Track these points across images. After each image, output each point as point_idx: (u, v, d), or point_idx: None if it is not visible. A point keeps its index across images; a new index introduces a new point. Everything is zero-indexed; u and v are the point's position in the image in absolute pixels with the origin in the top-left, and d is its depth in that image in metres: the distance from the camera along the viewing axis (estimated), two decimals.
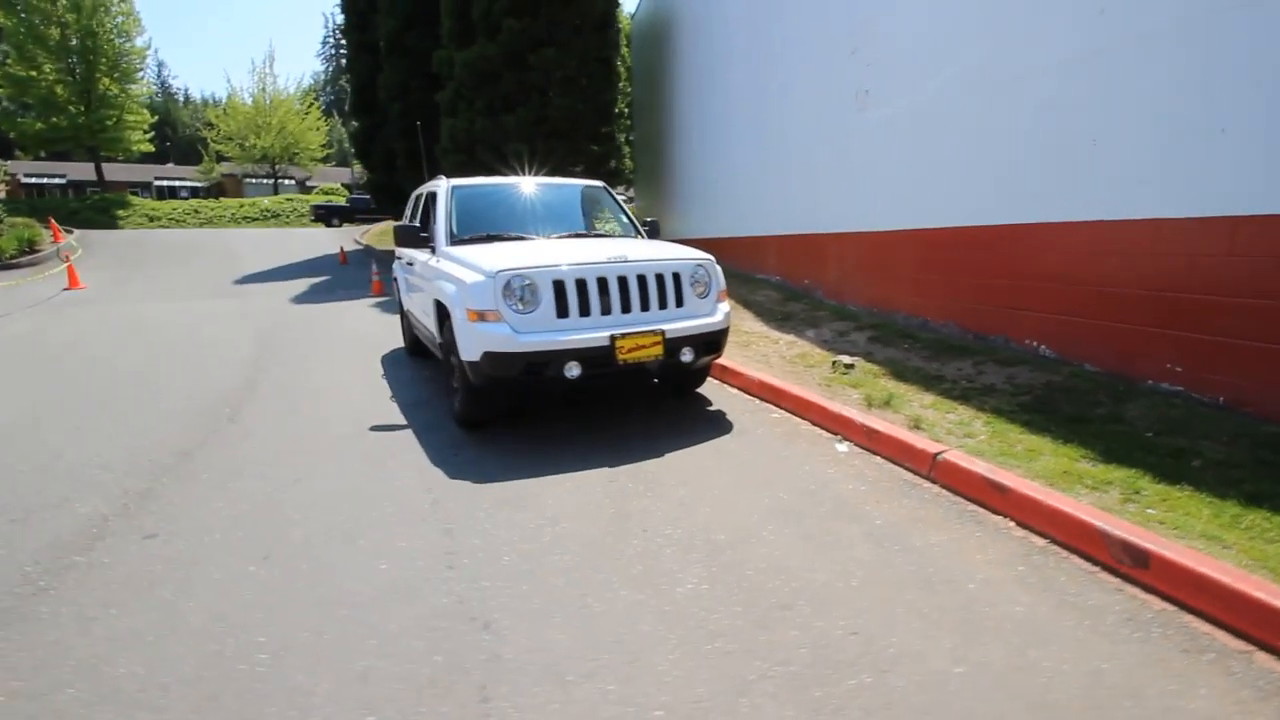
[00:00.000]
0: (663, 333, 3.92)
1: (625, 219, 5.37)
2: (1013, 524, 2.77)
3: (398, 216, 25.09)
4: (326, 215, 28.27)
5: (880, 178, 6.78)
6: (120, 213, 26.63)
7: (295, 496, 3.29)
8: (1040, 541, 2.63)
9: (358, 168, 30.57)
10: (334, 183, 41.14)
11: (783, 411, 4.48)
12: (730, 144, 10.35)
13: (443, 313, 4.43)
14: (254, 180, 40.82)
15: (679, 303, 4.13)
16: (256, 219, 29.45)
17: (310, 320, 9.16)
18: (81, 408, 4.94)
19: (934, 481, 3.20)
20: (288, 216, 30.23)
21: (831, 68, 7.44)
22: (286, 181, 41.81)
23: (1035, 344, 4.95)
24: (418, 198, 6.22)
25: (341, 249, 18.69)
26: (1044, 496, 2.70)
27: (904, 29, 6.33)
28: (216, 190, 40.96)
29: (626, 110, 14.80)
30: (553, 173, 13.89)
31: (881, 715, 1.74)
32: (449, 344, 4.36)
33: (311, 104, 38.01)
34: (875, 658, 1.96)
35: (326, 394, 5.25)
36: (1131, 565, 2.31)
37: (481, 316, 3.75)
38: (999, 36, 5.23)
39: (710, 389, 5.12)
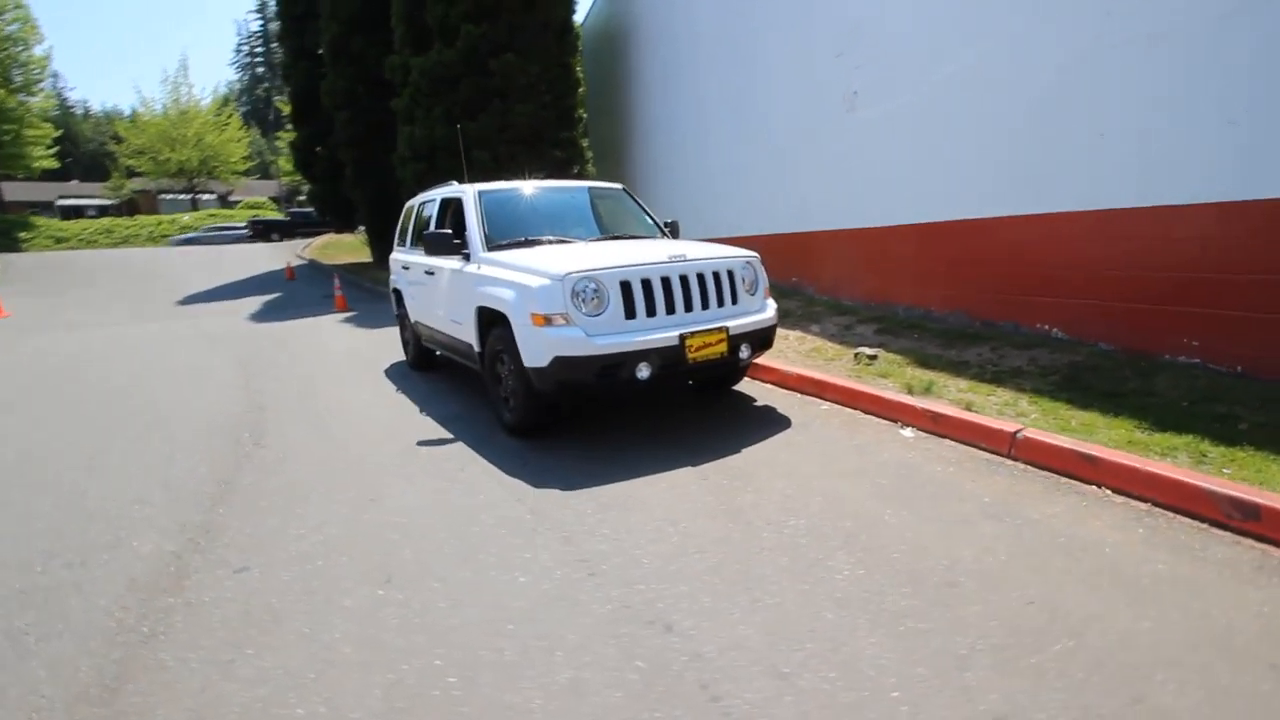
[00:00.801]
0: (727, 330, 3.95)
1: (649, 220, 5.38)
2: (1109, 492, 2.94)
3: (345, 229, 24.21)
4: (265, 230, 26.89)
5: (874, 176, 7.03)
6: (23, 235, 24.54)
7: (379, 517, 3.13)
8: (1142, 506, 2.80)
9: (287, 179, 29.22)
10: (259, 196, 39.14)
11: (829, 403, 4.58)
12: (707, 147, 10.50)
13: (487, 320, 4.32)
14: (170, 196, 38.31)
15: (734, 300, 4.17)
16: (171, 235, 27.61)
17: (282, 339, 8.70)
18: (86, 440, 4.52)
19: (1015, 459, 3.36)
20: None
21: (817, 70, 7.68)
22: (205, 196, 39.47)
23: (1047, 327, 5.26)
24: (419, 206, 6.03)
25: (289, 265, 17.81)
26: (1140, 464, 2.89)
27: (893, 33, 6.61)
28: (128, 208, 38.17)
29: (584, 115, 14.76)
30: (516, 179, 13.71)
31: (1102, 674, 1.82)
32: (494, 353, 4.25)
33: (230, 115, 36.08)
34: (1064, 624, 2.04)
35: (347, 413, 5.01)
36: (1243, 519, 2.50)
37: (549, 320, 3.68)
38: (994, 39, 5.54)
39: (745, 384, 5.18)
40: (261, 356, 7.37)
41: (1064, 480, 3.09)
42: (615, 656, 2.01)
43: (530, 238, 4.67)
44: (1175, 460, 3.06)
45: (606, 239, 4.82)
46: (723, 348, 3.93)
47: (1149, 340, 4.53)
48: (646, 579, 2.44)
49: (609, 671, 1.94)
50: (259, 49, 63.23)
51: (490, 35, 13.23)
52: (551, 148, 14.24)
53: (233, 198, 40.57)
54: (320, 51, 17.49)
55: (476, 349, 4.54)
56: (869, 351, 5.40)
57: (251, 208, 33.58)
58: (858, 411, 4.36)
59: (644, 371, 3.73)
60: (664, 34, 12.02)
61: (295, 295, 13.88)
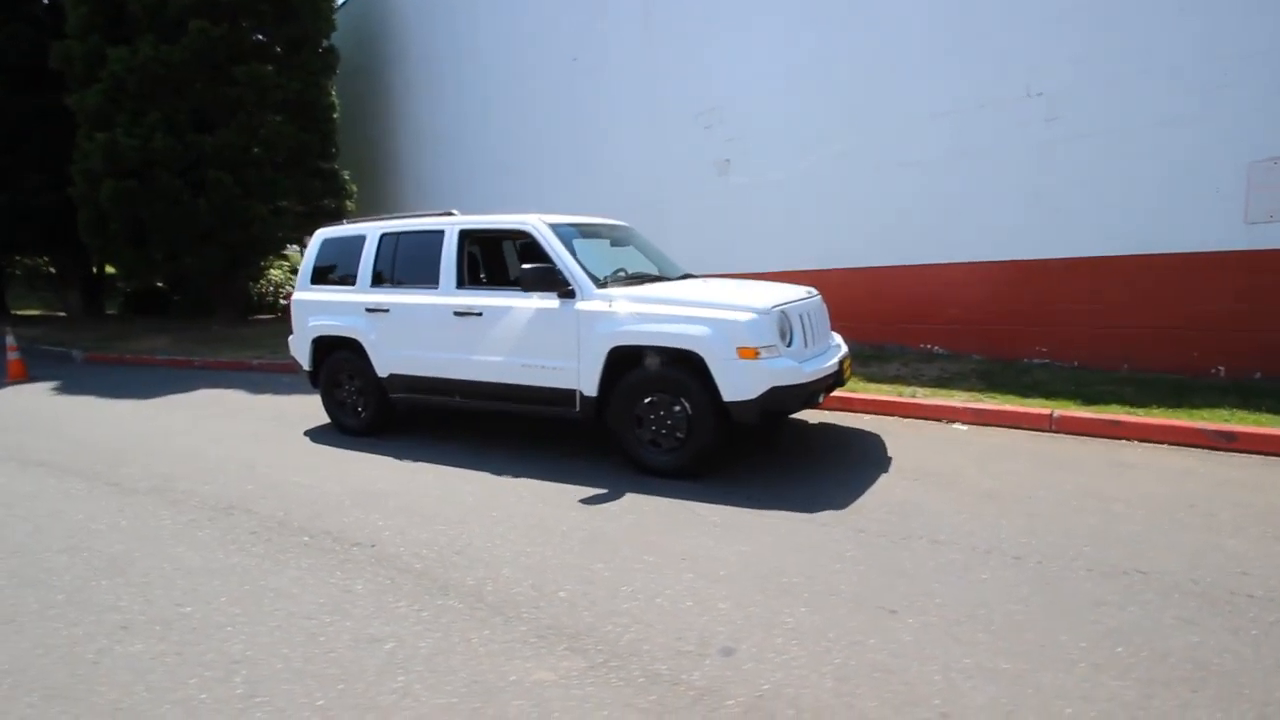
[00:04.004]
0: (848, 354, 4.55)
1: (667, 259, 5.56)
2: (1135, 442, 4.48)
3: None
4: None
5: (751, 232, 8.32)
6: None
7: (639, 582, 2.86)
8: (1164, 445, 4.38)
9: None
10: None
11: (868, 414, 5.48)
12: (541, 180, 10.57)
13: (616, 361, 4.06)
14: None
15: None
16: None
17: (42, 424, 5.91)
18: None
19: (1056, 431, 4.75)
20: None
21: (686, 140, 8.73)
22: None
23: (930, 346, 7.13)
24: (376, 239, 5.15)
25: None
26: (1152, 420, 4.49)
27: (760, 120, 8.05)
28: None
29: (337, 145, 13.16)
30: (274, 210, 11.55)
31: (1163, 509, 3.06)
32: (637, 393, 4.01)
33: None
34: (1169, 498, 3.27)
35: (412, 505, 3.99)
36: (1226, 442, 4.20)
37: (759, 353, 3.77)
38: (857, 135, 7.34)
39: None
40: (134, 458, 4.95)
41: (1100, 441, 4.55)
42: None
43: (631, 274, 4.55)
44: (1150, 415, 4.78)
45: (690, 277, 4.93)
46: (849, 371, 4.52)
47: (1010, 350, 6.63)
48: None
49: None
50: None
51: (231, 37, 11.06)
52: (312, 177, 12.41)
53: None
54: None
55: (590, 393, 4.18)
56: None
57: None
58: (893, 417, 5.36)
59: (821, 396, 4.10)
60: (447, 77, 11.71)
61: None
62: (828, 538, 3.17)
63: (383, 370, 5.06)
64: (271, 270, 14.68)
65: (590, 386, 4.20)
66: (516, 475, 4.23)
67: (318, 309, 5.41)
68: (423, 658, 2.30)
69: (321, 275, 5.54)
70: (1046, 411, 4.86)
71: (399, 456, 4.73)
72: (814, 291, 4.63)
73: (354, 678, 2.20)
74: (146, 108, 10.59)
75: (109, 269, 16.26)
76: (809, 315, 4.30)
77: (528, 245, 5.52)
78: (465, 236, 4.82)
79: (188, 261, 11.24)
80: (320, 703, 2.08)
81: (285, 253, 14.88)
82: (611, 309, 4.11)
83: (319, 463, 4.69)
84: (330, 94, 12.76)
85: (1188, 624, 2.38)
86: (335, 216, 13.06)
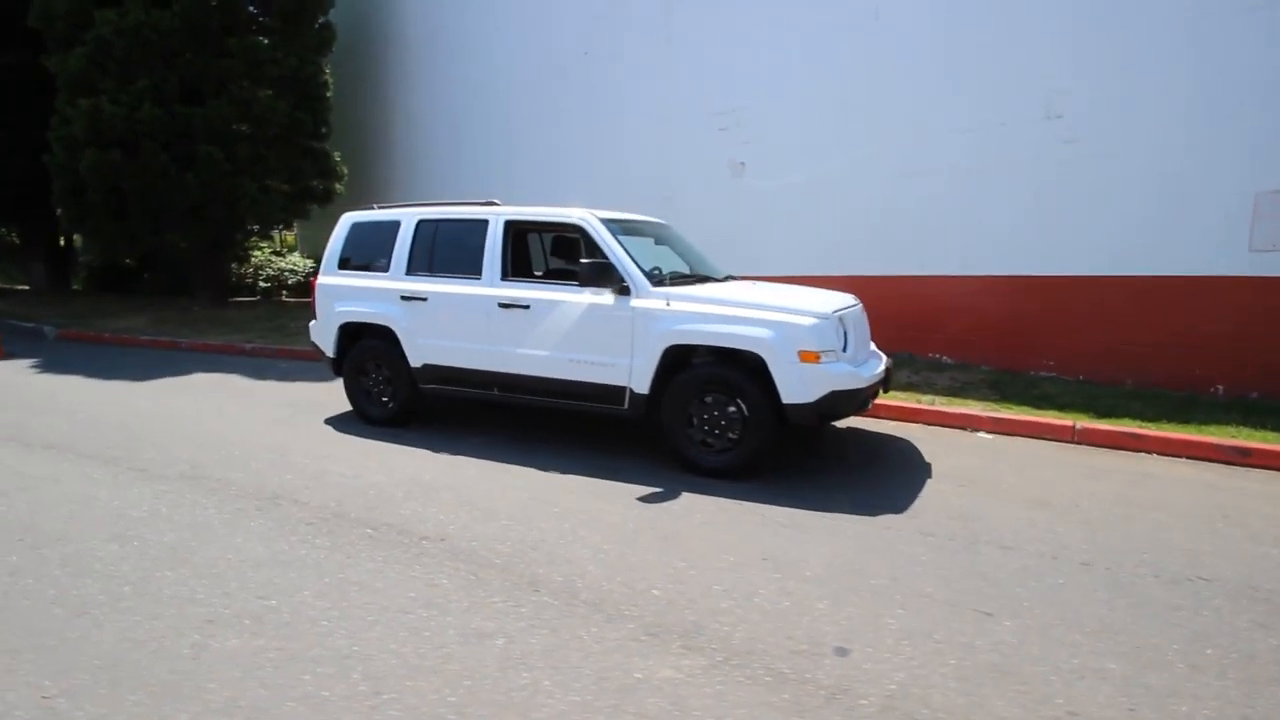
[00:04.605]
0: (891, 363, 4.64)
1: (706, 259, 5.55)
2: (1155, 455, 4.68)
3: None
4: None
5: (763, 235, 8.39)
6: None
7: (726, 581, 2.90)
8: (1180, 459, 4.59)
9: None
10: None
11: (890, 420, 5.60)
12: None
13: (671, 360, 4.08)
14: None
15: None
16: None
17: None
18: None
19: (1078, 443, 4.93)
20: None
21: (700, 140, 8.76)
22: None
23: (939, 355, 7.32)
24: (413, 226, 5.03)
25: None
26: (1174, 435, 4.70)
27: (777, 125, 8.14)
28: None
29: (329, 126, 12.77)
30: (263, 188, 11.19)
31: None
32: (696, 391, 4.02)
33: None
34: (1183, 503, 3.47)
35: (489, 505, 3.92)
36: (1241, 457, 4.43)
37: (820, 357, 3.82)
38: (884, 143, 7.48)
39: None
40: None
41: (1122, 453, 4.75)
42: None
43: (683, 274, 4.57)
44: (1162, 429, 5.00)
45: (722, 279, 4.96)
46: (891, 378, 4.61)
47: (1018, 362, 6.85)
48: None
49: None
50: None
51: (224, 8, 10.67)
52: (302, 157, 12.03)
53: None
54: None
55: (641, 391, 4.18)
56: None
57: None
58: (915, 425, 5.50)
59: (870, 402, 4.18)
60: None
61: None
62: (897, 540, 3.24)
63: (416, 360, 4.95)
64: (255, 251, 14.15)
65: (642, 384, 4.19)
66: (563, 471, 4.20)
67: (345, 294, 5.26)
68: (539, 654, 2.27)
69: (348, 261, 5.38)
70: (1069, 423, 5.05)
71: (433, 449, 4.64)
72: (857, 300, 4.71)
73: (476, 674, 2.16)
74: (134, 75, 10.10)
75: (77, 241, 15.48)
76: (856, 322, 4.37)
77: (560, 240, 5.51)
78: (510, 227, 4.75)
79: (172, 238, 10.77)
80: (452, 699, 2.03)
81: (272, 234, 14.40)
82: (670, 308, 4.11)
83: (351, 453, 4.56)
84: (325, 72, 12.38)
85: (1263, 628, 2.51)
86: (324, 199, 12.70)
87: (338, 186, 12.88)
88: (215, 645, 2.30)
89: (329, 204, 12.78)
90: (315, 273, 5.80)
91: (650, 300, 4.18)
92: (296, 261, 14.37)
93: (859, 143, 7.60)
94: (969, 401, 5.88)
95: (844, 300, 4.40)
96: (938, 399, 5.96)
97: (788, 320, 3.88)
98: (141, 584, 2.72)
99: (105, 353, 8.84)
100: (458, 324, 4.78)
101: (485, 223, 4.79)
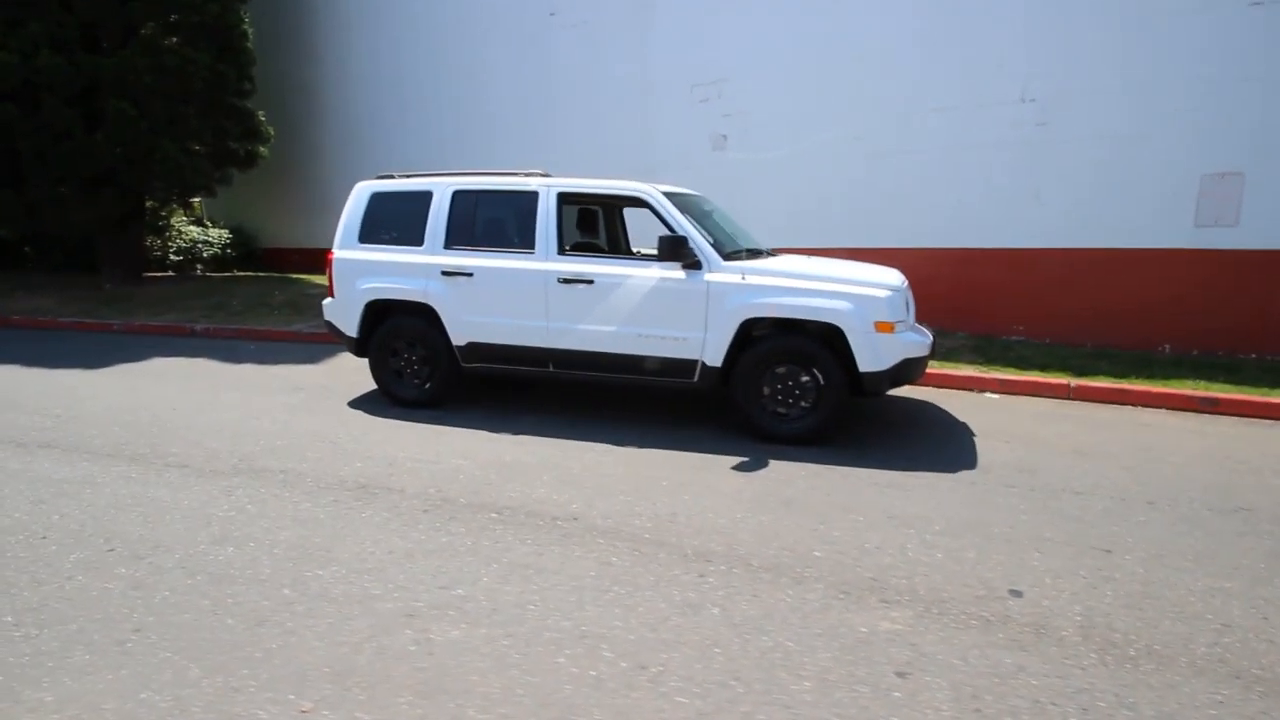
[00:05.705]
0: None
1: (746, 233, 5.59)
2: (1141, 408, 5.34)
3: None
4: None
5: (745, 208, 8.56)
6: None
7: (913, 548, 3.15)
8: (1161, 409, 5.26)
9: None
10: None
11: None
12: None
13: (745, 332, 4.20)
14: None
15: None
16: None
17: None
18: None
19: (1073, 399, 5.53)
20: None
21: (680, 112, 8.76)
22: None
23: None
24: (450, 197, 4.81)
25: None
26: (1149, 388, 5.36)
27: (764, 92, 8.29)
28: None
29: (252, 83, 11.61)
30: (184, 150, 10.14)
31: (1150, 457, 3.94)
32: (768, 362, 4.18)
33: None
34: (1166, 446, 4.13)
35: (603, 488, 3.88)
36: (1211, 406, 5.16)
37: (894, 328, 4.06)
38: (866, 119, 7.82)
39: None
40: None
41: (1113, 406, 5.39)
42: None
43: (749, 249, 4.69)
44: (1134, 383, 5.68)
45: (794, 251, 5.10)
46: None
47: (992, 328, 7.49)
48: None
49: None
50: None
51: None
52: (224, 116, 10.94)
53: None
54: None
55: (713, 364, 4.28)
56: None
57: None
58: (930, 388, 5.93)
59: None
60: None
61: None
62: (989, 493, 3.56)
63: (460, 338, 4.76)
64: (175, 222, 12.66)
65: (715, 357, 4.28)
66: (640, 446, 4.23)
67: (370, 270, 4.94)
68: (758, 619, 2.37)
69: (368, 234, 5.04)
70: (1065, 382, 5.65)
71: (490, 429, 4.52)
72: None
73: (722, 644, 2.23)
74: (24, 17, 8.69)
75: None
76: (909, 295, 4.66)
77: (585, 214, 5.42)
78: (563, 199, 4.63)
79: (76, 209, 9.47)
80: (718, 668, 2.10)
81: (191, 202, 12.95)
82: (745, 281, 4.20)
83: (408, 437, 4.35)
84: (243, 19, 11.18)
85: None
86: (246, 163, 11.58)
87: (262, 149, 11.78)
88: (437, 638, 2.22)
89: (251, 168, 11.70)
90: (268, 248, 5.37)
91: (724, 274, 4.25)
92: (214, 233, 13.04)
93: (841, 119, 7.91)
94: (960, 364, 6.41)
95: (899, 274, 4.67)
96: (934, 363, 6.43)
97: (864, 293, 4.09)
98: (299, 586, 2.55)
99: (24, 337, 7.76)
100: (510, 300, 4.64)
101: (535, 194, 4.64)
